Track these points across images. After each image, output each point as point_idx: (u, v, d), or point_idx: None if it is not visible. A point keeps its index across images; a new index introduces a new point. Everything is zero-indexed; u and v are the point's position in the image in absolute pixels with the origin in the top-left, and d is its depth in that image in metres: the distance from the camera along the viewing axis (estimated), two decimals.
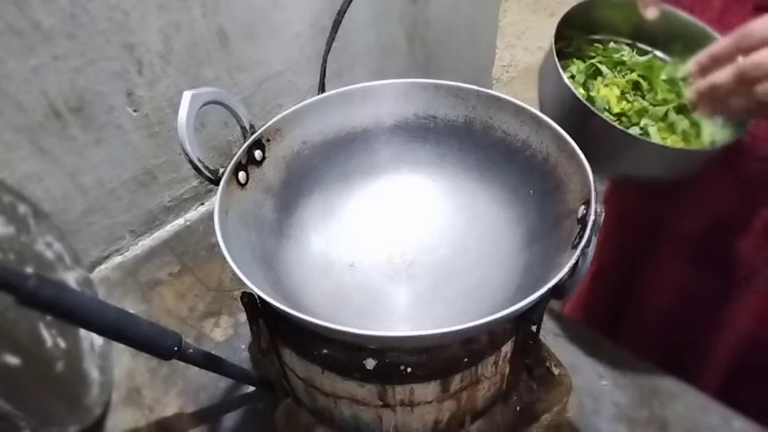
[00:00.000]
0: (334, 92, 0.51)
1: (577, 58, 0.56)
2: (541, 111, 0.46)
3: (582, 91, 0.53)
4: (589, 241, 0.36)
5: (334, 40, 0.52)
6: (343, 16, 0.51)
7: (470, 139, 0.51)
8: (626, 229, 0.70)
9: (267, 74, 0.78)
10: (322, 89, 0.53)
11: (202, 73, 0.70)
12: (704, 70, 0.43)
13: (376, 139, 0.54)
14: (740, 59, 0.40)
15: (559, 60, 0.48)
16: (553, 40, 0.49)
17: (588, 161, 0.42)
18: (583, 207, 0.40)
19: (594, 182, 0.39)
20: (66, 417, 0.47)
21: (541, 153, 0.46)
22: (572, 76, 0.54)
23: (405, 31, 0.96)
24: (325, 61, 0.52)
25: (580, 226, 0.39)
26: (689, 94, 0.45)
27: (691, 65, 0.44)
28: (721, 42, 0.41)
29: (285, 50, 0.78)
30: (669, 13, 0.52)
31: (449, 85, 0.51)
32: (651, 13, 0.50)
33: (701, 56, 0.43)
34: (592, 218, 0.37)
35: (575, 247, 0.37)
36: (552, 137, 0.45)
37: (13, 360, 0.43)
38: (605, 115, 0.47)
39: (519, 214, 0.48)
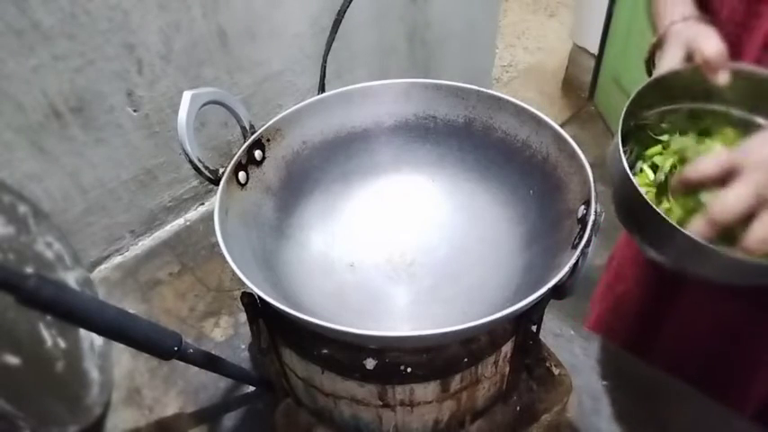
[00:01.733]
0: (334, 92, 0.51)
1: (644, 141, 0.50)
2: (617, 208, 0.44)
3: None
4: (589, 241, 0.36)
5: (334, 40, 0.52)
6: (343, 16, 0.51)
7: (470, 139, 0.51)
8: None
9: (267, 74, 0.78)
10: (322, 89, 0.53)
11: (202, 73, 0.70)
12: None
13: (376, 140, 0.54)
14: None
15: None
16: (619, 135, 0.43)
17: (659, 258, 0.41)
18: (583, 207, 0.40)
19: (594, 182, 0.39)
20: (66, 417, 0.47)
21: (541, 153, 0.46)
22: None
23: (405, 32, 0.96)
24: (325, 61, 0.52)
25: (580, 226, 0.39)
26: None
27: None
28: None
29: (285, 50, 0.78)
30: (743, 70, 0.46)
31: (449, 85, 0.51)
32: (722, 79, 0.45)
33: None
34: (592, 218, 0.37)
35: (575, 247, 0.37)
36: (552, 137, 0.45)
37: (13, 360, 0.43)
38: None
39: (519, 214, 0.48)
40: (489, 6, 1.13)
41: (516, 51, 2.52)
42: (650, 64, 0.52)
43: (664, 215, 0.39)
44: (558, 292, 0.36)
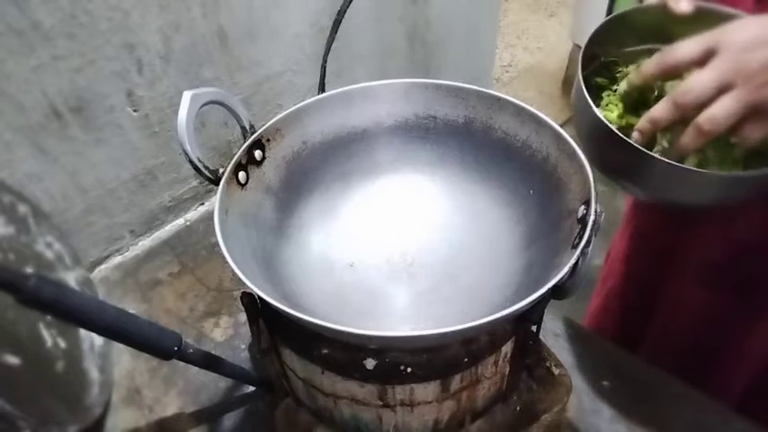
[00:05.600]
0: (334, 92, 0.51)
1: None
2: (580, 142, 0.44)
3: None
4: (589, 241, 0.36)
5: (334, 40, 0.52)
6: (343, 16, 0.51)
7: (470, 139, 0.51)
8: (645, 251, 0.69)
9: (267, 74, 0.78)
10: (322, 89, 0.53)
11: (202, 73, 0.70)
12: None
13: (376, 140, 0.54)
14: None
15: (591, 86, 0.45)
16: (580, 68, 0.45)
17: (623, 185, 0.42)
18: (583, 207, 0.40)
19: (595, 182, 0.39)
20: (67, 417, 0.47)
21: (541, 153, 0.46)
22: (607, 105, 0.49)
23: (405, 32, 0.96)
24: (325, 61, 0.52)
25: (580, 226, 0.39)
26: (635, 135, 0.42)
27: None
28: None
29: (285, 50, 0.78)
30: (707, 9, 0.46)
31: (449, 85, 0.51)
32: (684, 6, 0.45)
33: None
34: (592, 218, 0.37)
35: (575, 247, 0.37)
36: (552, 137, 0.45)
37: (13, 360, 0.43)
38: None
39: (519, 214, 0.48)
40: (489, 6, 1.13)
41: (516, 51, 2.52)
42: None
43: (632, 142, 0.40)
44: (558, 292, 0.36)
